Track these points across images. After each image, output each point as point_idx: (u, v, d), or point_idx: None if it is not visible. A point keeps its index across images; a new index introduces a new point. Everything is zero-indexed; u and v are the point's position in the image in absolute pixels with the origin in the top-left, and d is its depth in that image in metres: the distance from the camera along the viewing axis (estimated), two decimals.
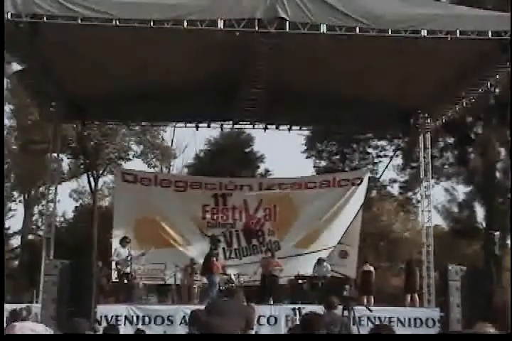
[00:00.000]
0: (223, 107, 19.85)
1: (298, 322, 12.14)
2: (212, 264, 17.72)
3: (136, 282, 17.75)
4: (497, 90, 27.28)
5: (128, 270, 17.09)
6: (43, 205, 35.73)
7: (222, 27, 14.07)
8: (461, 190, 33.38)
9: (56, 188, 20.69)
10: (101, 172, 35.67)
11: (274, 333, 14.48)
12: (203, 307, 7.64)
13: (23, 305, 15.98)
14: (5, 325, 9.59)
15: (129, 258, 17.10)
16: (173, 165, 39.81)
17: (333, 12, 14.24)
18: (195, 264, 18.49)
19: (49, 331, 4.57)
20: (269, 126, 21.61)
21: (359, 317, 13.23)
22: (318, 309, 9.95)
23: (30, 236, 39.60)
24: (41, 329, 4.84)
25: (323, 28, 14.26)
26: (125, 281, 17.00)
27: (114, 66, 17.14)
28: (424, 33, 14.43)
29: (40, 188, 37.06)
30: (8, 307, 15.37)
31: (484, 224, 30.71)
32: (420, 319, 16.34)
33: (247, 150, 38.22)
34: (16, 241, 40.96)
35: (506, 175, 30.31)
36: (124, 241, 17.74)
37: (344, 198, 21.82)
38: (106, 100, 19.18)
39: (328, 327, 6.55)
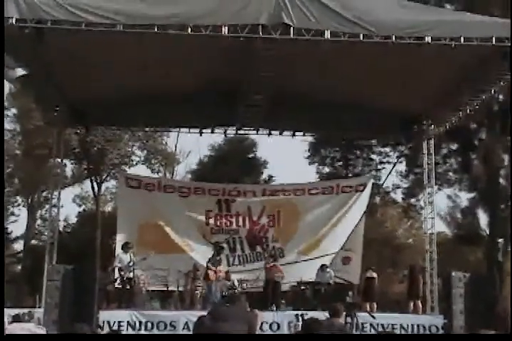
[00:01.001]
0: (227, 113, 19.88)
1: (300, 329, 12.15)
2: (208, 271, 17.69)
3: (139, 288, 17.73)
4: (500, 97, 27.27)
5: (130, 275, 17.07)
6: (46, 210, 35.72)
7: (226, 32, 14.09)
8: (465, 197, 33.35)
9: (59, 193, 20.71)
10: (104, 177, 35.69)
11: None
12: (205, 313, 7.63)
13: (26, 310, 15.96)
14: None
15: (131, 263, 17.08)
16: (176, 170, 39.89)
17: (338, 18, 14.25)
18: (198, 270, 18.46)
19: (40, 328, 4.57)
20: (272, 132, 21.63)
21: (362, 324, 13.23)
22: (321, 315, 9.93)
23: (33, 241, 39.57)
24: (31, 327, 4.81)
25: (327, 34, 14.29)
26: (127, 287, 16.97)
27: (118, 71, 17.16)
28: (428, 39, 14.45)
29: (44, 193, 37.05)
30: (10, 312, 15.34)
31: (487, 231, 30.65)
32: (423, 326, 16.28)
33: (251, 156, 38.25)
34: (18, 246, 40.98)
35: (509, 181, 30.28)
36: (125, 247, 17.71)
37: (348, 204, 21.80)
38: (109, 105, 19.20)
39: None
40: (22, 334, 4.29)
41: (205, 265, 18.38)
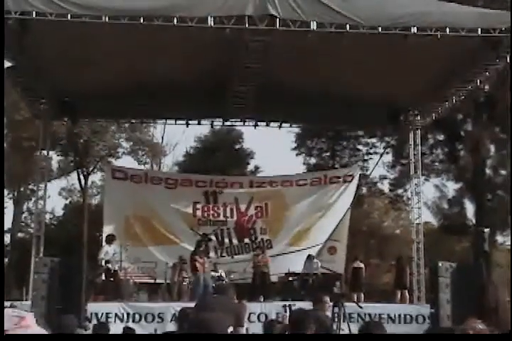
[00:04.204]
0: (213, 104, 19.83)
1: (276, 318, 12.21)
2: (195, 263, 17.68)
3: (126, 280, 17.74)
4: (486, 87, 27.34)
5: (116, 267, 17.10)
6: (32, 203, 35.59)
7: (212, 24, 14.06)
8: (451, 187, 33.46)
9: (46, 186, 20.64)
10: (91, 169, 35.58)
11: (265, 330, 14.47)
12: (193, 304, 7.63)
13: (8, 303, 15.88)
14: None
15: (115, 255, 17.14)
16: (163, 162, 39.80)
17: (324, 9, 14.24)
18: (185, 262, 18.45)
19: (24, 314, 4.51)
20: (259, 123, 21.64)
21: (349, 314, 13.25)
22: (309, 306, 9.95)
23: (19, 234, 39.42)
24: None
25: (314, 25, 14.28)
26: (113, 279, 16.99)
27: (104, 63, 17.08)
28: (414, 30, 14.47)
29: (30, 186, 36.89)
30: None
31: (474, 221, 30.78)
32: (410, 315, 16.40)
33: (237, 147, 38.21)
34: (5, 239, 40.81)
35: (496, 171, 30.43)
36: (109, 239, 17.76)
37: (335, 195, 21.87)
38: (96, 97, 19.10)
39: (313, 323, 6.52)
40: (22, 334, 4.26)
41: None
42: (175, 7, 14.08)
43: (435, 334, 5.61)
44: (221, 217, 21.61)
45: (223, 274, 18.39)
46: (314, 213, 21.72)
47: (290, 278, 18.79)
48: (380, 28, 14.40)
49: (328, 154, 37.45)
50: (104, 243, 18.08)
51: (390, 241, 36.54)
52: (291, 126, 23.84)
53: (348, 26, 14.32)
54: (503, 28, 14.43)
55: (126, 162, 35.32)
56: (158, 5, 14.07)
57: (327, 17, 14.27)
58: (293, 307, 14.62)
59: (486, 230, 23.36)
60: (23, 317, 4.10)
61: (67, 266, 14.13)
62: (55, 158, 35.28)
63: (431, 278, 16.29)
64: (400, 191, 35.71)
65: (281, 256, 21.01)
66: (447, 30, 14.46)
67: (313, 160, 37.55)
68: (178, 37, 14.96)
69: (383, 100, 19.69)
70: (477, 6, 18.24)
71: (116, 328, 13.93)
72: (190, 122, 21.45)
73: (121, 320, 15.25)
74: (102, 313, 15.19)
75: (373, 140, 36.48)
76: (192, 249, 19.02)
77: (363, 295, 18.96)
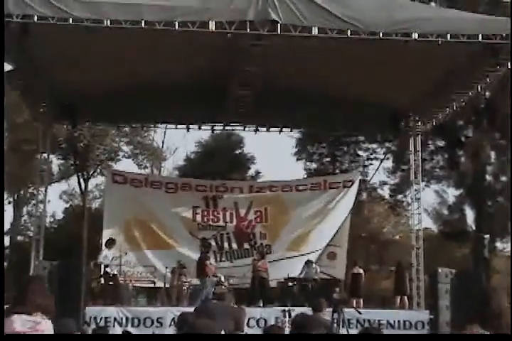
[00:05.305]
0: (214, 109, 19.83)
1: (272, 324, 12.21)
2: (206, 268, 17.64)
3: (125, 284, 17.72)
4: (487, 93, 27.36)
5: (115, 271, 17.09)
6: (32, 206, 35.57)
7: (213, 29, 14.06)
8: (451, 193, 33.42)
9: (46, 189, 20.63)
10: (91, 173, 35.56)
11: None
12: (192, 309, 7.63)
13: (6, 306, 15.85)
14: None
15: (114, 259, 17.15)
16: (163, 166, 39.80)
17: (325, 14, 14.24)
18: (184, 267, 18.43)
19: (39, 320, 4.53)
20: (259, 128, 21.63)
21: (348, 320, 13.24)
22: (308, 311, 9.95)
23: (19, 237, 39.41)
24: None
25: (315, 31, 14.28)
26: (112, 283, 16.98)
27: (105, 67, 17.10)
28: (415, 36, 14.47)
29: (30, 189, 36.88)
30: None
31: (474, 227, 30.75)
32: (410, 321, 16.36)
33: (238, 152, 38.21)
34: (4, 242, 40.76)
35: (496, 178, 30.40)
36: (108, 243, 17.76)
37: (335, 200, 21.84)
38: (96, 101, 19.12)
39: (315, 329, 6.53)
40: (22, 334, 4.25)
41: (191, 262, 18.40)
42: (176, 11, 14.08)
43: (433, 334, 5.61)
44: (221, 222, 21.59)
45: (223, 279, 18.37)
46: (314, 218, 21.69)
47: (289, 284, 18.76)
48: (381, 34, 14.40)
49: (328, 159, 37.44)
50: (103, 247, 18.06)
51: (390, 246, 36.53)
52: (291, 131, 23.83)
53: (349, 32, 14.32)
54: (504, 35, 14.45)
55: (127, 166, 35.32)
56: (159, 9, 14.06)
57: (328, 22, 14.25)
58: (292, 313, 14.59)
59: (486, 236, 23.39)
60: (38, 323, 4.24)
61: (67, 269, 14.13)
62: (55, 162, 35.32)
63: (430, 284, 16.30)
64: (400, 197, 35.69)
65: (280, 261, 20.98)
66: (448, 36, 14.46)
67: (313, 166, 37.56)
68: (179, 41, 14.97)
69: (384, 105, 19.72)
70: (478, 12, 18.23)
71: (115, 332, 13.98)
72: (190, 126, 21.46)
73: (120, 324, 15.22)
74: (101, 317, 15.16)
75: (374, 145, 36.50)
76: (191, 253, 19.07)
77: (362, 301, 18.94)
